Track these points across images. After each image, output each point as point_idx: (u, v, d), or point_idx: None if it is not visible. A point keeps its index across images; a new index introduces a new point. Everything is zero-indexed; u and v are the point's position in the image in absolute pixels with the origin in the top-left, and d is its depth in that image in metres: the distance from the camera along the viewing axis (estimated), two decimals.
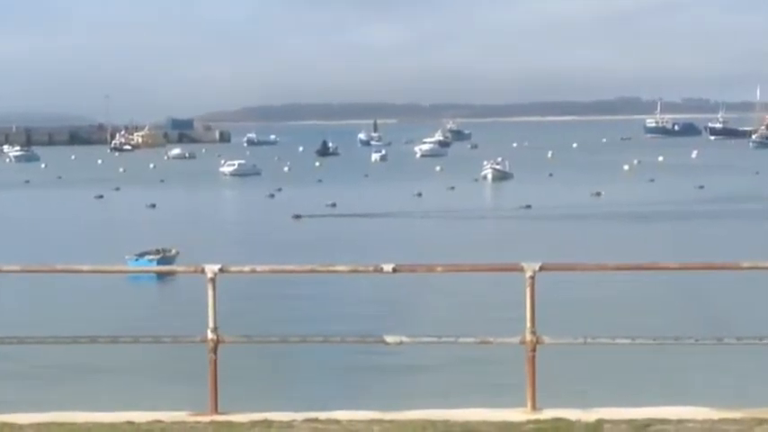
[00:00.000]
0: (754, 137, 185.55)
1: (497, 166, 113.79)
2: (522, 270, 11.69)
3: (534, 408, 11.62)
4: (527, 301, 11.67)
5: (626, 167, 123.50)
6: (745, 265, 12.36)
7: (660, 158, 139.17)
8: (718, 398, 13.38)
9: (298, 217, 74.54)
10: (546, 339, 11.76)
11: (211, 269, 11.85)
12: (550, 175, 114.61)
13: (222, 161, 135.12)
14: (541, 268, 11.68)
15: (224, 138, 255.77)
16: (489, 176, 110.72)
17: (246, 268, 12.44)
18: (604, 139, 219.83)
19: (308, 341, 12.81)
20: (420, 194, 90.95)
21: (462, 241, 58.10)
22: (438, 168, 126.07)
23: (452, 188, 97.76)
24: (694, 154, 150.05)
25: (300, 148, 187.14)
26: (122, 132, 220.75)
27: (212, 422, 11.31)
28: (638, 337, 11.96)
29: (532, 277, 11.64)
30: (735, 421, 10.94)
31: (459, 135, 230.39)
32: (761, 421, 10.88)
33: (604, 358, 21.37)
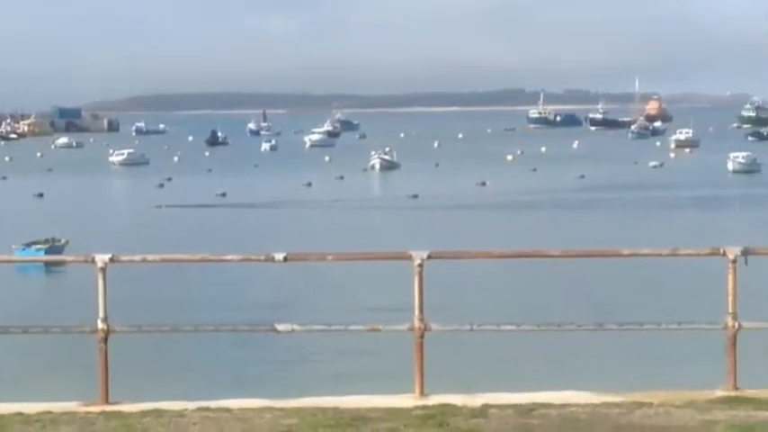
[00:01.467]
0: (632, 127, 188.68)
1: (385, 156, 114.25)
2: (410, 258, 11.77)
3: (422, 394, 11.70)
4: (415, 289, 11.75)
5: (509, 157, 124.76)
6: (625, 252, 12.59)
7: (543, 149, 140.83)
8: (600, 382, 13.59)
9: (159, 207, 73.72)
10: (433, 326, 11.85)
11: (102, 259, 11.71)
12: (437, 164, 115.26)
13: (111, 150, 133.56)
14: (429, 256, 11.76)
15: (112, 127, 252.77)
16: (377, 166, 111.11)
17: (137, 257, 12.32)
18: (489, 130, 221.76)
19: (199, 330, 12.72)
20: (310, 184, 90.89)
21: (352, 230, 58.20)
22: (327, 158, 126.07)
23: (341, 178, 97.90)
24: (575, 144, 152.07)
25: (190, 138, 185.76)
26: (8, 121, 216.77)
27: (103, 412, 11.18)
28: (523, 324, 12.11)
29: (420, 265, 11.71)
30: (616, 405, 11.12)
31: (347, 125, 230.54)
32: (641, 404, 11.08)
33: (490, 345, 21.62)
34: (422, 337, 11.78)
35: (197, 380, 25.75)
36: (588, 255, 13.40)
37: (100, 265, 11.67)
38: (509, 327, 12.20)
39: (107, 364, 11.63)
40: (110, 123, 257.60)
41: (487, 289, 35.34)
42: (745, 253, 11.44)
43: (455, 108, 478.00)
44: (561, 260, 15.28)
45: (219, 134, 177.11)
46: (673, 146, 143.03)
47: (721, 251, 11.52)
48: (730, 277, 11.46)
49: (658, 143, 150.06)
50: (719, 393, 11.42)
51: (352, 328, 12.60)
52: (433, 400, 11.47)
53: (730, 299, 11.49)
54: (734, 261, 11.43)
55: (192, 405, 11.26)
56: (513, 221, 62.76)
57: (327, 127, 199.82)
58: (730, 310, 11.51)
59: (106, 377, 11.61)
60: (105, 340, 11.70)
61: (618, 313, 22.43)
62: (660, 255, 12.67)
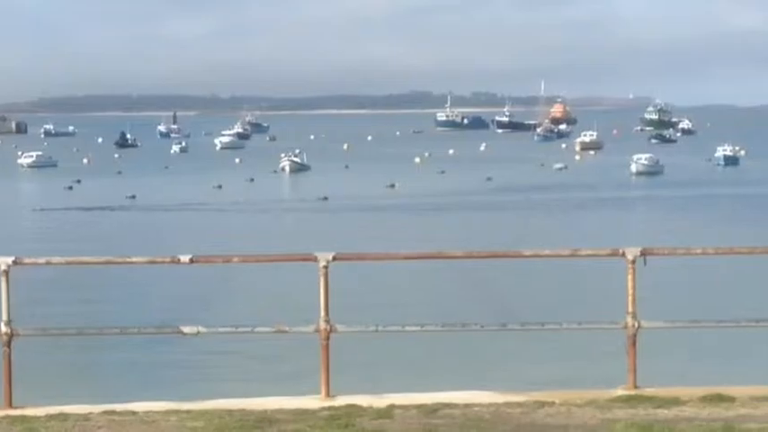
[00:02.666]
0: (538, 130, 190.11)
1: (295, 159, 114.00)
2: (315, 260, 11.73)
3: (328, 395, 11.67)
4: (321, 291, 11.72)
5: (418, 160, 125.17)
6: (527, 253, 12.67)
7: (451, 151, 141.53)
8: (503, 382, 13.67)
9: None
10: (339, 328, 11.83)
11: (4, 261, 11.53)
12: (346, 167, 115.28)
13: (20, 153, 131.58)
14: (334, 258, 11.74)
15: (20, 129, 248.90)
16: (287, 168, 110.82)
17: (41, 260, 12.14)
18: (398, 132, 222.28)
19: (104, 333, 12.60)
20: (220, 186, 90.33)
21: (261, 233, 57.99)
22: (237, 160, 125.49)
23: (251, 180, 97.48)
24: (483, 147, 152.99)
25: (100, 140, 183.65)
26: None
27: (7, 416, 11.00)
28: (427, 324, 12.13)
29: (326, 267, 11.69)
30: (519, 404, 11.18)
31: (258, 127, 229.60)
32: (543, 404, 11.14)
33: (396, 345, 21.63)
34: (327, 338, 11.76)
35: (102, 383, 25.44)
36: (491, 256, 13.44)
37: (2, 267, 11.50)
38: (414, 327, 12.21)
39: (10, 368, 11.45)
40: (17, 125, 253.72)
41: (393, 290, 35.38)
42: (644, 253, 11.56)
43: (364, 111, 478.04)
44: (465, 261, 15.33)
45: (128, 136, 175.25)
46: (578, 148, 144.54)
47: (621, 252, 11.63)
48: (629, 277, 11.57)
49: (564, 145, 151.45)
50: (620, 392, 11.52)
51: (258, 329, 12.53)
52: (340, 401, 11.45)
53: (630, 299, 11.61)
54: (633, 262, 11.55)
55: (97, 408, 11.12)
56: (422, 223, 63.00)
57: (237, 129, 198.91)
58: (630, 310, 11.62)
59: (9, 381, 11.43)
60: (9, 343, 11.51)
61: (521, 313, 22.57)
62: (561, 255, 12.76)
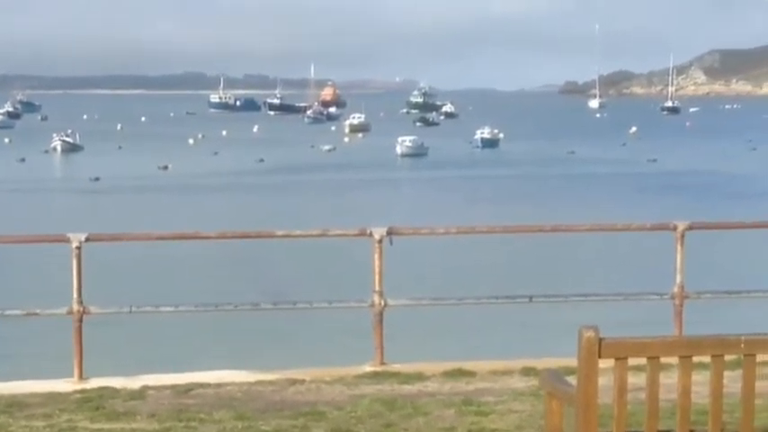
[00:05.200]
0: (308, 112, 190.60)
1: (67, 139, 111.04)
2: (68, 241, 11.39)
3: (81, 377, 11.36)
4: (73, 272, 11.39)
5: (191, 141, 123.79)
6: (279, 233, 12.61)
7: (224, 132, 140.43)
8: (256, 361, 13.58)
9: None
10: (93, 309, 11.53)
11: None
12: (120, 147, 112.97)
13: None
14: (87, 239, 11.41)
15: None
16: (59, 148, 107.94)
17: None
18: (172, 114, 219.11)
19: None
20: None
21: (27, 213, 56.20)
22: (7, 140, 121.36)
23: (22, 160, 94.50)
24: (255, 128, 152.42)
25: None
26: None
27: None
28: (182, 305, 11.94)
29: (78, 248, 11.36)
30: (270, 382, 11.12)
31: (29, 107, 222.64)
32: (294, 381, 11.11)
33: (151, 327, 21.31)
34: (80, 320, 11.44)
35: None
36: (244, 236, 13.33)
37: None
38: (168, 308, 12.00)
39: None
40: None
41: (149, 271, 34.73)
42: (390, 233, 11.64)
43: (139, 91, 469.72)
44: (220, 241, 15.16)
45: None
46: (347, 130, 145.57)
47: (368, 232, 11.68)
48: (376, 256, 11.63)
49: (333, 128, 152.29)
50: (367, 368, 11.59)
51: (8, 312, 12.10)
52: (93, 383, 11.15)
53: (377, 278, 11.67)
54: (380, 241, 11.62)
55: None
56: (194, 204, 62.23)
57: (8, 108, 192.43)
58: (377, 289, 11.69)
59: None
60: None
61: (275, 293, 22.51)
62: (311, 235, 12.76)
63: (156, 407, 10.26)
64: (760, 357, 6.34)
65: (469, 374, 11.27)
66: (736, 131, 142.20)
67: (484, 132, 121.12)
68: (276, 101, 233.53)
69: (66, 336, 11.74)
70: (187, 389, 10.86)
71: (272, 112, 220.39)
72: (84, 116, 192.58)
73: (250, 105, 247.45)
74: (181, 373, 11.51)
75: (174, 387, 10.93)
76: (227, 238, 12.95)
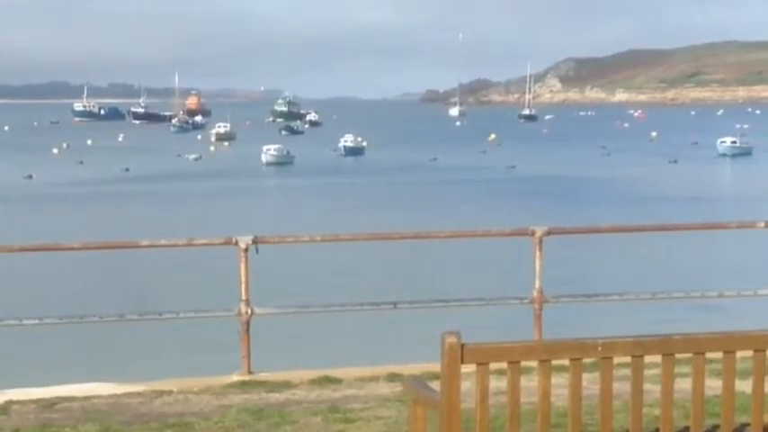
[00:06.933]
0: (174, 121, 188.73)
1: None
2: None
3: None
4: None
5: (55, 151, 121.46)
6: (144, 243, 12.42)
7: (89, 142, 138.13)
8: (123, 373, 13.35)
9: None
10: None
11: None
12: None
13: None
14: None
15: None
16: None
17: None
18: (35, 123, 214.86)
19: None
20: None
21: None
22: None
23: None
24: (121, 137, 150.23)
25: None
26: None
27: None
28: (46, 317, 11.64)
29: None
30: (138, 394, 10.92)
31: None
32: (161, 393, 10.94)
33: (12, 340, 20.79)
34: None
35: None
36: (109, 247, 13.09)
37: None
38: (32, 321, 11.70)
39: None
40: None
41: (11, 284, 33.72)
42: (256, 241, 11.55)
43: (2, 101, 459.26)
44: (85, 252, 14.85)
45: None
46: (213, 139, 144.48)
47: (234, 240, 11.57)
48: (242, 265, 11.52)
49: (199, 136, 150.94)
50: (235, 378, 11.47)
51: None
52: None
53: (243, 287, 11.57)
54: (245, 250, 11.52)
55: None
56: (60, 214, 60.97)
57: None
58: (243, 297, 11.59)
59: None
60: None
61: (141, 304, 22.20)
62: (177, 245, 12.58)
63: (20, 422, 10.00)
64: (617, 359, 6.45)
65: (336, 381, 11.24)
66: (590, 138, 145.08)
67: (348, 140, 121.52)
68: (141, 110, 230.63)
69: None
70: (53, 403, 10.61)
71: (136, 121, 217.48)
72: None
73: (114, 114, 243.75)
74: (46, 386, 11.22)
75: (39, 401, 10.66)
76: (91, 249, 12.70)
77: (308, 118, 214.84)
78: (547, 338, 9.40)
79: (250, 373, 11.57)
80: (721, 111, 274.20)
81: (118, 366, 18.34)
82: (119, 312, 12.07)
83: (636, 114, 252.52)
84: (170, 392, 10.93)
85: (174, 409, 10.42)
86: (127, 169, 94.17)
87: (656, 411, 6.84)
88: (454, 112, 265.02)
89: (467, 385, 6.29)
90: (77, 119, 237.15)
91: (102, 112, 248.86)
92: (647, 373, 6.50)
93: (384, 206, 63.32)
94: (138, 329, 18.92)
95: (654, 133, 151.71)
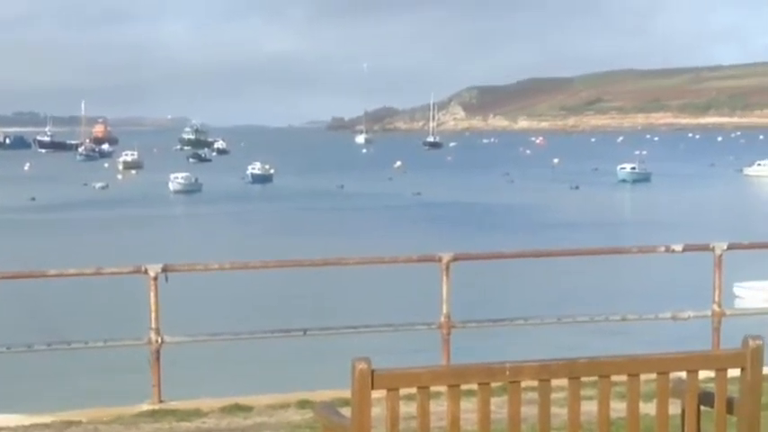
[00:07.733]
0: (80, 150, 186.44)
1: None
2: None
3: None
4: None
5: None
6: (52, 272, 12.29)
7: None
8: (31, 404, 13.11)
9: None
10: None
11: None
12: None
13: None
14: None
15: None
16: None
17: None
18: None
19: None
20: None
21: None
22: None
23: None
24: (27, 166, 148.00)
25: None
26: None
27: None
28: None
29: None
30: (47, 425, 10.75)
31: None
32: (70, 423, 10.77)
33: None
34: None
35: None
36: (16, 276, 12.89)
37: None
38: None
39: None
40: None
41: None
42: (165, 270, 11.46)
43: None
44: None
45: None
46: (120, 167, 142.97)
47: (143, 269, 11.47)
48: (152, 294, 11.41)
49: (106, 165, 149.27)
50: (145, 407, 11.34)
51: None
52: None
53: (153, 315, 11.46)
54: (155, 278, 11.42)
55: None
56: None
57: None
58: (153, 326, 11.48)
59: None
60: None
61: (51, 333, 21.84)
62: (85, 274, 12.42)
63: None
64: (524, 383, 6.50)
65: (247, 409, 11.17)
66: (494, 165, 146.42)
67: (255, 168, 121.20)
68: (47, 138, 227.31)
69: None
70: None
71: (42, 150, 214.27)
72: None
73: (20, 143, 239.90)
74: None
75: None
76: (7, 279, 12.51)
77: (215, 146, 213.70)
78: (455, 363, 9.46)
79: (160, 401, 11.45)
80: (621, 138, 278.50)
81: (26, 397, 18.01)
82: (26, 342, 11.86)
83: (537, 141, 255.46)
84: (79, 423, 10.78)
85: None
86: (33, 198, 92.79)
87: None
88: (360, 139, 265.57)
89: (377, 411, 6.29)
90: None
91: (8, 141, 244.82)
92: (553, 396, 6.56)
93: (292, 233, 63.20)
94: (47, 359, 18.64)
95: (556, 160, 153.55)
